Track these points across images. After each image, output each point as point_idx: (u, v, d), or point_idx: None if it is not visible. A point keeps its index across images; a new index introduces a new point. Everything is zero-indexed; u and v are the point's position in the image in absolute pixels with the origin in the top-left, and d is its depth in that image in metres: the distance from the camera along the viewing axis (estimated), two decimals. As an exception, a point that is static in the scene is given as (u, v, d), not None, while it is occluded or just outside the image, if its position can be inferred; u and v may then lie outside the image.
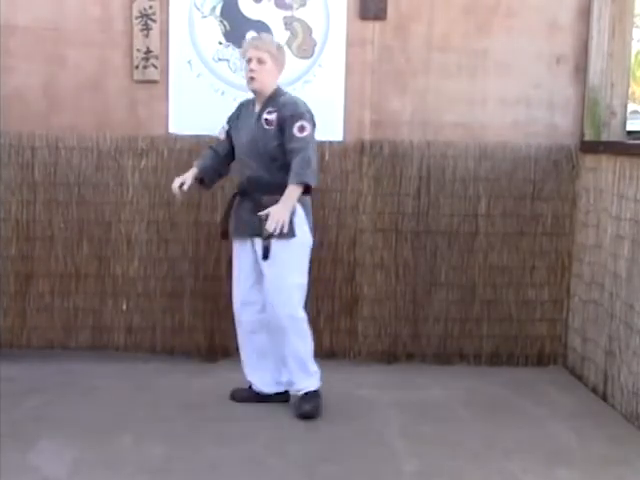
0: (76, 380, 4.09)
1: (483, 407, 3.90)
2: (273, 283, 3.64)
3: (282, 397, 3.84)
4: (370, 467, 3.20)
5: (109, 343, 4.52)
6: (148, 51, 4.33)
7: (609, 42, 4.32)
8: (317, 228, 4.44)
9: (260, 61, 3.64)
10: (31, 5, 4.31)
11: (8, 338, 4.46)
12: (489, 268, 4.51)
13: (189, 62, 4.37)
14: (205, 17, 4.35)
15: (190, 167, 4.41)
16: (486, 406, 3.91)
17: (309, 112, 3.68)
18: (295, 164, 3.57)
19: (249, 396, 3.85)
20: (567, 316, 4.53)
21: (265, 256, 3.60)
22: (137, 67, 4.34)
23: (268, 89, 3.71)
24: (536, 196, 4.48)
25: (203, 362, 4.45)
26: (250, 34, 4.35)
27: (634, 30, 4.63)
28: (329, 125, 4.38)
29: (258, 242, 3.65)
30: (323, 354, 4.50)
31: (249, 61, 3.67)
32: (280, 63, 3.74)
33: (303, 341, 3.71)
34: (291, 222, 3.59)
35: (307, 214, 3.70)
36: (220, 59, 4.37)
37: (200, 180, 3.85)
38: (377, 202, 4.46)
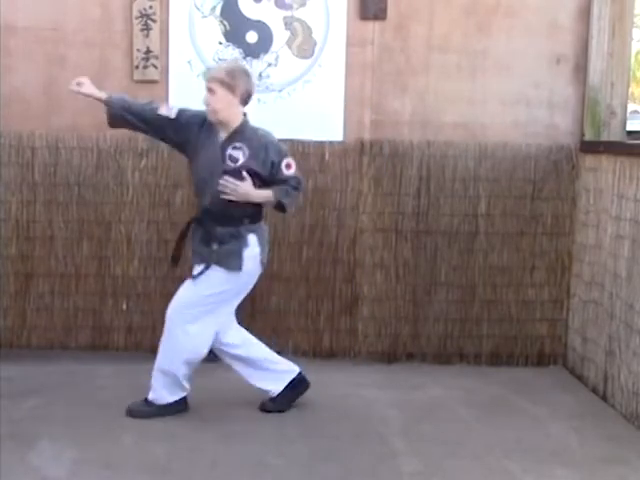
0: (76, 380, 4.08)
1: (483, 407, 3.90)
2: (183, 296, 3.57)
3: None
4: (370, 467, 3.20)
5: (109, 343, 4.52)
6: (148, 51, 4.33)
7: (609, 42, 4.33)
8: (317, 228, 4.47)
9: (210, 91, 3.48)
10: (31, 5, 4.31)
11: (8, 338, 4.46)
12: (489, 268, 4.51)
13: (189, 62, 4.36)
14: (205, 17, 4.35)
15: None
16: (486, 406, 3.91)
17: (282, 146, 3.60)
18: (287, 188, 3.51)
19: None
20: (567, 316, 4.53)
21: (195, 277, 3.52)
22: (137, 67, 4.34)
23: (227, 118, 3.50)
24: (536, 196, 4.49)
25: (203, 362, 4.44)
26: (250, 34, 4.36)
27: (634, 30, 4.63)
28: (329, 125, 4.39)
29: (197, 269, 3.55)
30: (323, 354, 4.51)
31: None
32: (235, 88, 3.46)
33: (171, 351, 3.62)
34: (240, 254, 3.51)
35: (262, 244, 3.58)
36: (220, 59, 4.37)
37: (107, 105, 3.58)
38: (377, 202, 4.45)
